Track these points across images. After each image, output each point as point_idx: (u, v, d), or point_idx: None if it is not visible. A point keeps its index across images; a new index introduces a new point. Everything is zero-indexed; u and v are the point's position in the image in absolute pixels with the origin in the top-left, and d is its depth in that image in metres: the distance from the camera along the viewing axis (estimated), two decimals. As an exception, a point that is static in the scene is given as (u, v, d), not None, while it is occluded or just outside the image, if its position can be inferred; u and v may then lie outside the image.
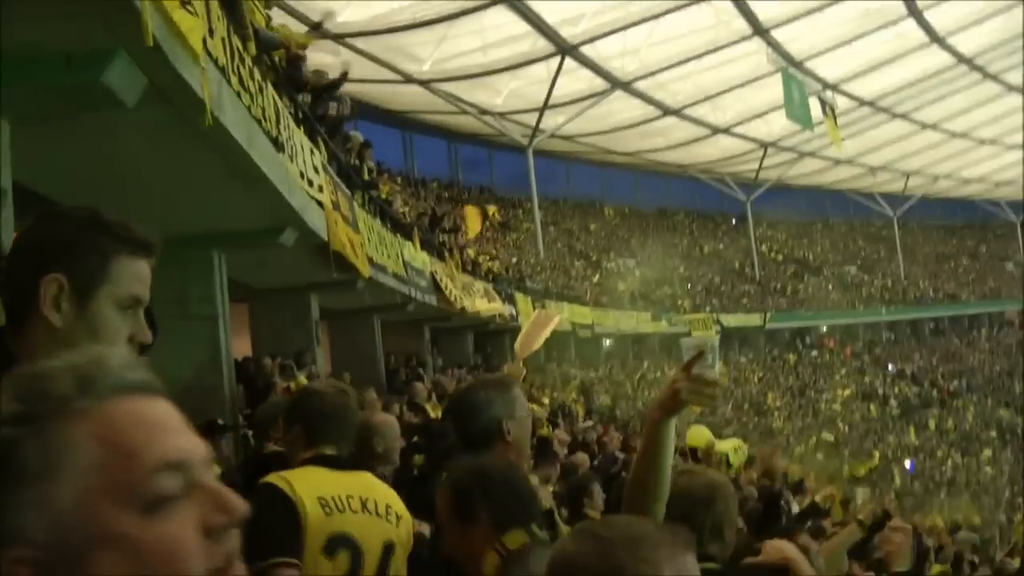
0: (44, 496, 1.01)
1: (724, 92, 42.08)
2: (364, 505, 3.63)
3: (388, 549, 3.63)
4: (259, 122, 8.08)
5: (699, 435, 8.26)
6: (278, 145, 8.88)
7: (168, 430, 1.09)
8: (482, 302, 22.84)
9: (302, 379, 11.83)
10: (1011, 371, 54.77)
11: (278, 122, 8.95)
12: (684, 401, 2.84)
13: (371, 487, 3.78)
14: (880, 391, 48.48)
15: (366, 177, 16.66)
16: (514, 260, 36.52)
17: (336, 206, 11.77)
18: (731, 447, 9.49)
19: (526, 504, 3.12)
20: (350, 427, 3.91)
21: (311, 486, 3.53)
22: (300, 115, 11.66)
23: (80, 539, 1.01)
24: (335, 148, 13.98)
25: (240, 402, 10.82)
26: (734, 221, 59.27)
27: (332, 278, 12.50)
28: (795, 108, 37.00)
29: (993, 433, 46.09)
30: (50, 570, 1.00)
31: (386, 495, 3.81)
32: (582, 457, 11.48)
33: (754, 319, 49.76)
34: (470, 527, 3.05)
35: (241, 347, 13.76)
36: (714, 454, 8.69)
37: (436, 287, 19.32)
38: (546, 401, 21.46)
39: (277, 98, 9.25)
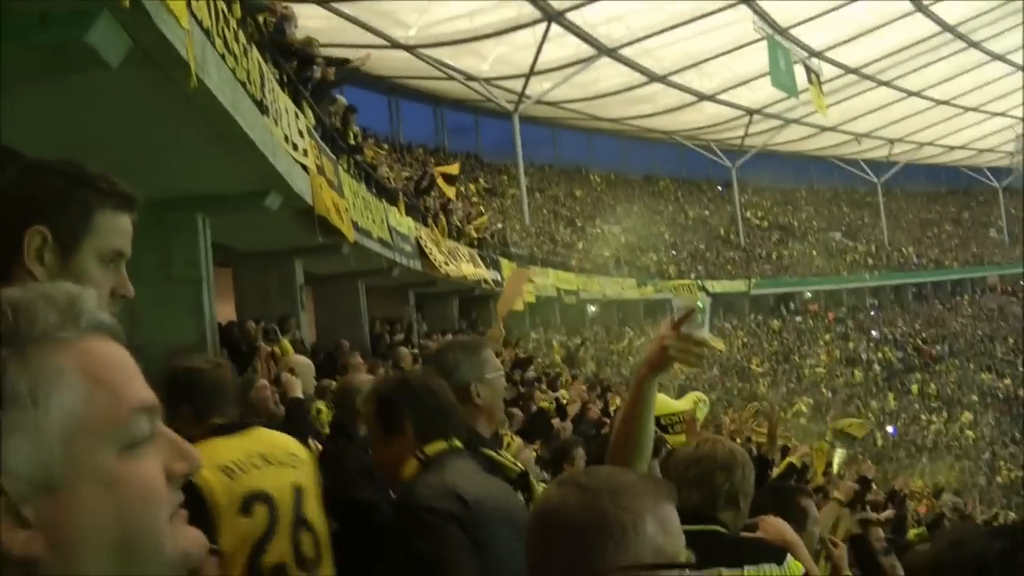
0: (28, 423, 0.99)
1: (710, 59, 42.00)
2: (265, 458, 3.67)
3: (298, 492, 3.68)
4: (243, 85, 8.07)
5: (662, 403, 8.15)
6: (262, 108, 8.87)
7: (136, 375, 1.09)
8: (467, 267, 22.86)
9: (286, 343, 11.85)
10: (992, 335, 55.41)
11: (262, 85, 8.94)
12: (671, 359, 2.88)
13: (267, 440, 3.81)
14: (864, 356, 48.77)
15: (351, 142, 16.62)
16: (499, 226, 36.52)
17: (321, 170, 11.77)
18: (692, 401, 9.46)
19: (448, 416, 3.30)
20: (231, 397, 3.95)
21: (210, 459, 3.52)
22: (285, 78, 11.63)
23: (62, 470, 1.00)
24: (320, 112, 13.95)
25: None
26: (719, 188, 59.33)
27: (317, 243, 12.48)
28: (780, 75, 36.99)
29: (975, 397, 46.48)
30: (26, 499, 0.98)
31: (285, 443, 3.86)
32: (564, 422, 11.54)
33: (739, 285, 49.90)
34: (395, 436, 3.25)
35: (225, 311, 13.77)
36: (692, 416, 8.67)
37: (421, 252, 19.32)
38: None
39: (262, 61, 9.24)
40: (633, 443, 2.99)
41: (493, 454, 3.61)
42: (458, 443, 3.28)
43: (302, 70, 13.32)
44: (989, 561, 1.28)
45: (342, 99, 17.12)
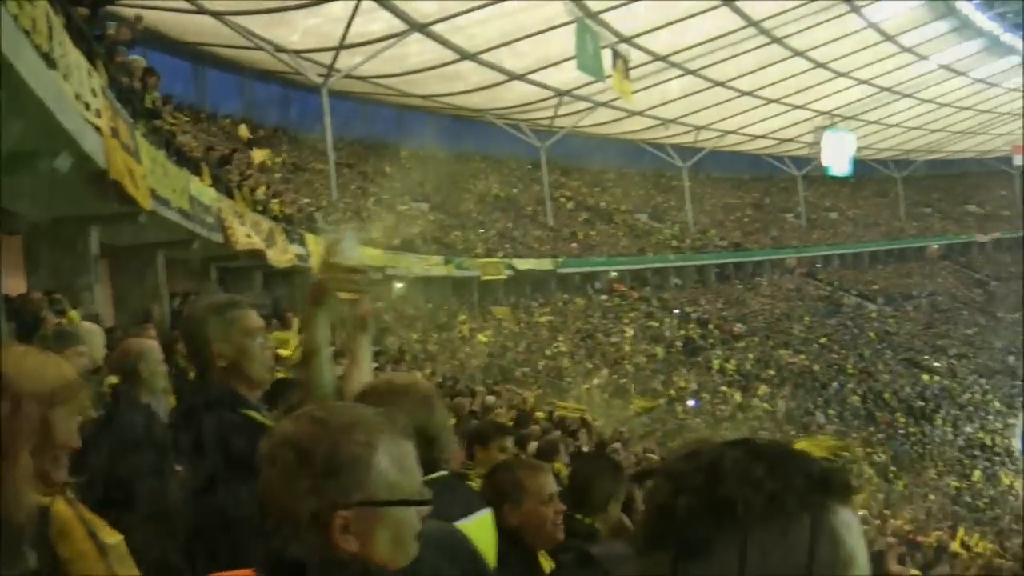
0: None
1: (522, 39, 42.13)
2: None
3: None
4: (27, 34, 7.60)
5: None
6: (50, 62, 8.39)
7: None
8: (266, 242, 22.31)
9: (74, 315, 11.31)
10: (789, 314, 57.88)
11: (51, 37, 8.46)
12: (328, 290, 3.11)
13: None
14: (667, 334, 49.86)
15: (149, 106, 16.04)
16: (306, 201, 35.94)
17: (115, 133, 11.27)
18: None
19: None
20: None
21: None
22: (77, 32, 11.07)
23: None
24: (114, 71, 13.37)
25: (11, 340, 10.25)
26: (529, 167, 59.69)
27: (112, 210, 12.00)
28: (587, 59, 37.38)
29: (772, 372, 48.19)
30: None
31: None
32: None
33: (546, 264, 50.36)
34: None
35: (16, 284, 13.15)
36: None
37: (222, 225, 18.83)
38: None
39: (51, 11, 8.74)
40: (311, 378, 3.18)
41: (255, 415, 3.47)
42: None
43: (94, 23, 12.72)
44: (724, 468, 1.25)
45: (139, 59, 16.48)
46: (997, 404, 53.63)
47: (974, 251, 74.87)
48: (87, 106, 9.98)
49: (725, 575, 1.21)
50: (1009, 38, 59.01)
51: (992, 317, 64.91)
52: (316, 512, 1.74)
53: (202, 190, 17.69)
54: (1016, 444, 49.57)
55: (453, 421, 14.08)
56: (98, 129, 10.45)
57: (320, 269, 3.01)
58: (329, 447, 1.76)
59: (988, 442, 48.46)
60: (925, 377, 54.20)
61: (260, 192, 25.78)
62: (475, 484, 5.31)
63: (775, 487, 1.24)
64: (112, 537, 3.00)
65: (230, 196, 20.75)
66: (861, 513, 22.86)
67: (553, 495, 3.99)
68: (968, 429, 49.53)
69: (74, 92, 9.43)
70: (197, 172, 18.00)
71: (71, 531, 2.87)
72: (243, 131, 27.87)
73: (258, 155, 24.88)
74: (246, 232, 20.26)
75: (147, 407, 5.38)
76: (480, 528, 3.07)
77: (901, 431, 47.01)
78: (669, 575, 1.22)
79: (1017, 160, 74.43)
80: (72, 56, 9.53)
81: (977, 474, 44.23)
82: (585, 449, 16.12)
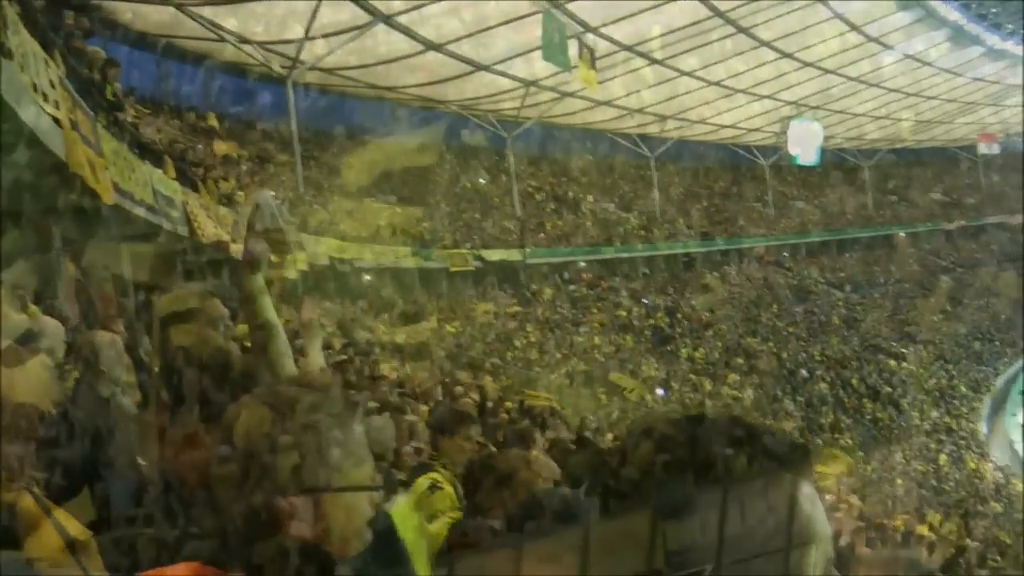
0: None
1: (488, 29, 41.99)
2: None
3: None
4: (-20, 24, 7.49)
5: None
6: (4, 51, 8.25)
7: None
8: (230, 236, 22.14)
9: (35, 311, 11.14)
10: (758, 302, 58.07)
11: (5, 26, 8.32)
12: (258, 255, 3.21)
13: None
14: (636, 323, 49.93)
15: (110, 98, 15.85)
16: (272, 193, 35.68)
17: (75, 125, 11.12)
18: None
19: None
20: None
21: None
22: (33, 22, 10.90)
23: None
24: (74, 63, 13.19)
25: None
26: (496, 158, 59.56)
27: (74, 203, 11.84)
28: (553, 50, 37.23)
29: (740, 360, 48.41)
30: None
31: None
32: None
33: (514, 254, 50.32)
34: None
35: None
36: None
37: (187, 218, 18.68)
38: None
39: (4, 0, 8.61)
40: (269, 357, 3.28)
41: None
42: None
43: (52, 14, 12.56)
44: (706, 430, 1.30)
45: (99, 51, 16.28)
46: (963, 389, 54.22)
47: (940, 239, 75.36)
48: (45, 97, 9.83)
49: (704, 534, 1.21)
50: (973, 28, 59.55)
51: (958, 304, 65.40)
52: (265, 497, 1.69)
53: (166, 183, 17.54)
54: (981, 428, 50.15)
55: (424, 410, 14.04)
56: (57, 120, 10.30)
57: (247, 236, 3.03)
58: (277, 431, 1.72)
59: (954, 426, 48.94)
60: (892, 363, 54.67)
61: (226, 186, 25.59)
62: (441, 473, 5.27)
63: (755, 449, 1.28)
64: (80, 532, 2.94)
65: (195, 189, 20.57)
66: (829, 498, 23.01)
67: None
68: (934, 414, 49.98)
69: (31, 82, 9.28)
70: (159, 165, 17.83)
71: (38, 526, 2.82)
72: (219, 148, 27.78)
73: (221, 147, 24.67)
74: (213, 224, 20.12)
75: (108, 400, 5.29)
76: (400, 511, 3.15)
77: (868, 417, 47.39)
78: (648, 537, 1.21)
79: (982, 148, 75.17)
80: (28, 46, 9.39)
81: (943, 458, 44.64)
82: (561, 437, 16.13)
